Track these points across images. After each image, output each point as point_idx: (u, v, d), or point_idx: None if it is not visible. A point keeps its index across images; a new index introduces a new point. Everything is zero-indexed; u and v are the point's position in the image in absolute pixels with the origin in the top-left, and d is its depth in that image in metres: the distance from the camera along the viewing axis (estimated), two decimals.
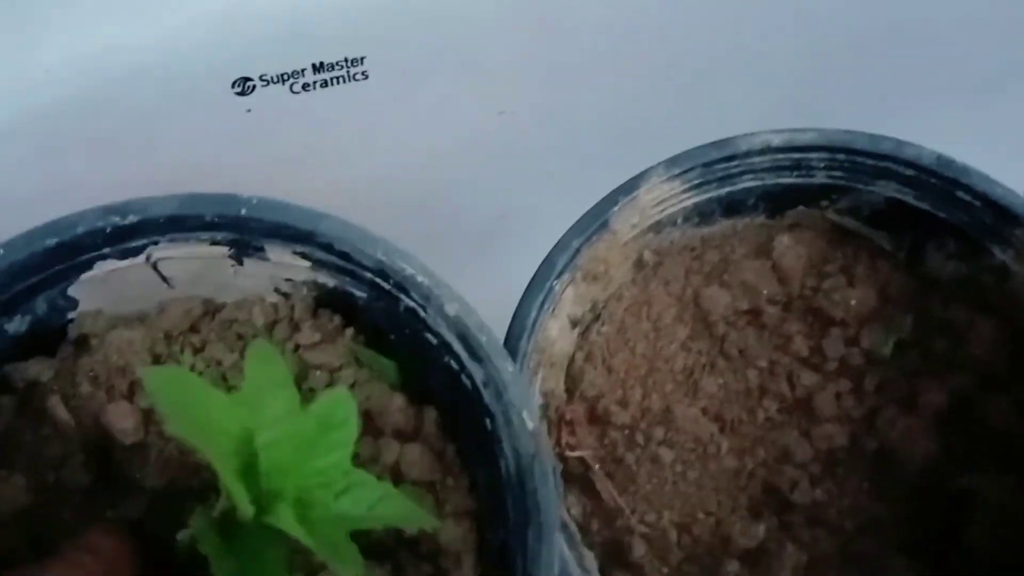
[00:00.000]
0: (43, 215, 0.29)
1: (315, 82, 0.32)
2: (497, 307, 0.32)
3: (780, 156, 0.33)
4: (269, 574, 0.23)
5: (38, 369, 0.30)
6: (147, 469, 0.30)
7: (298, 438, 0.24)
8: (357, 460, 0.32)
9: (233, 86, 0.31)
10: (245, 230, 0.30)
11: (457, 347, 0.29)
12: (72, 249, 0.28)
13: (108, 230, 0.28)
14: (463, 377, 0.29)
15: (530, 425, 0.28)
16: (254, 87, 0.31)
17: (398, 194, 0.39)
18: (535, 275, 0.32)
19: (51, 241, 0.28)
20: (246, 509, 0.22)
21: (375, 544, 0.30)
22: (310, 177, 0.35)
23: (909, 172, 0.32)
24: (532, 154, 0.38)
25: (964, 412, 0.32)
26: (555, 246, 0.32)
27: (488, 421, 0.29)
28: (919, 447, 0.32)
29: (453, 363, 0.30)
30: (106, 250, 0.29)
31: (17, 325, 0.29)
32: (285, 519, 0.22)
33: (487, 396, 0.29)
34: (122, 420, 0.29)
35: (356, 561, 0.24)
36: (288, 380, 0.25)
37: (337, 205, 0.30)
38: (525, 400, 0.28)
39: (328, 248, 0.30)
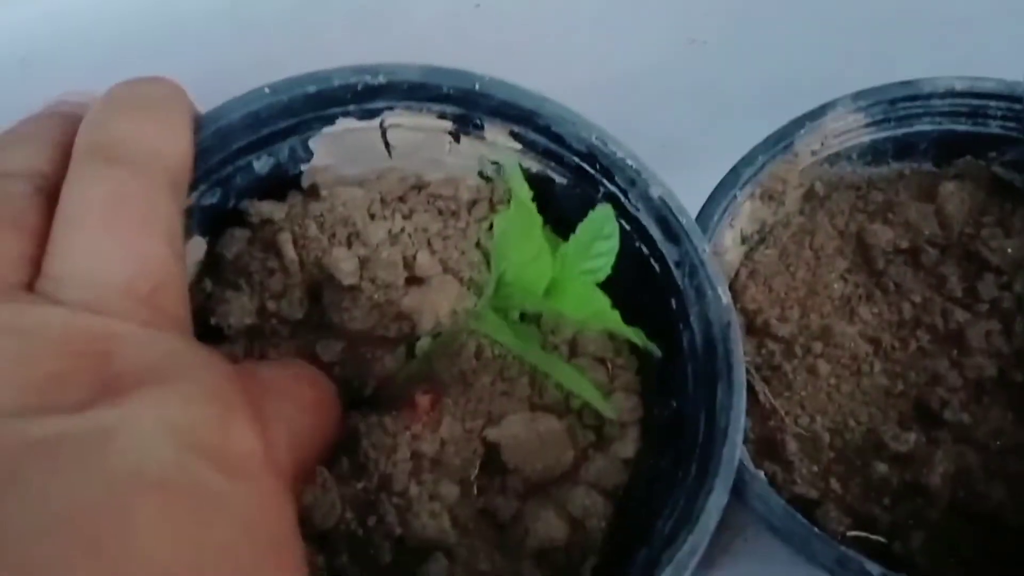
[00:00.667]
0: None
1: None
2: None
3: (960, 101, 0.35)
4: (533, 345, 0.26)
5: (272, 208, 0.33)
6: (354, 313, 0.33)
7: (573, 244, 0.27)
8: (539, 327, 0.35)
9: None
10: (473, 105, 0.33)
11: (653, 230, 0.32)
12: (325, 100, 0.32)
13: (359, 87, 0.32)
14: (652, 260, 0.32)
15: (724, 300, 0.30)
16: None
17: (586, 110, 0.41)
18: (721, 182, 0.35)
19: (311, 88, 0.31)
20: (537, 290, 0.25)
21: (550, 406, 0.33)
22: (517, 76, 0.37)
23: None
24: (714, 87, 0.40)
25: None
26: (742, 159, 0.35)
27: (674, 300, 0.31)
28: None
29: (644, 247, 0.32)
30: (351, 107, 0.32)
31: (263, 165, 0.33)
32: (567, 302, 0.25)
33: (678, 276, 0.31)
34: (343, 262, 0.32)
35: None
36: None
37: None
38: (720, 278, 0.30)
39: (545, 130, 0.32)
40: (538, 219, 0.27)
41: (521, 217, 0.26)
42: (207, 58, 0.32)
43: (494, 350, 0.33)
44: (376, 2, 0.33)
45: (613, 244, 0.27)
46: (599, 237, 0.27)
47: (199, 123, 0.30)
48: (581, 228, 0.27)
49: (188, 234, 0.32)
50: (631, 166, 0.32)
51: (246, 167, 0.33)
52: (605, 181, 0.32)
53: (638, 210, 0.32)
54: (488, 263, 0.34)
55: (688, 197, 0.36)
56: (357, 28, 0.34)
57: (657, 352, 0.27)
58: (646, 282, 0.32)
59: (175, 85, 0.29)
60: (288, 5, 0.32)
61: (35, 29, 0.30)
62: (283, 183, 0.34)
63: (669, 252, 0.31)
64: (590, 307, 0.26)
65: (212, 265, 0.33)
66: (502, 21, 0.36)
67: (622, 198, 0.32)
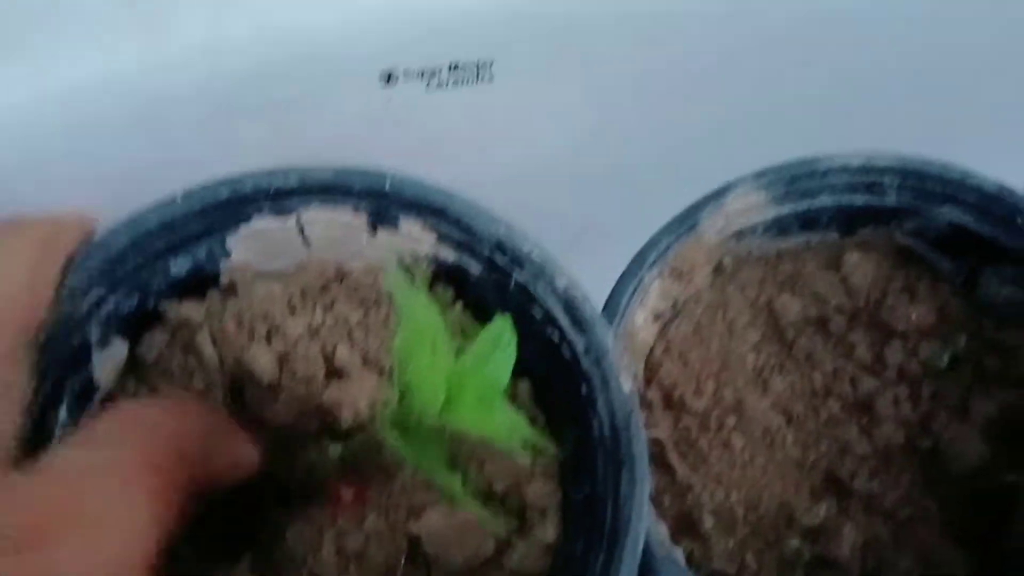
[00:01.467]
0: (211, 171, 0.33)
1: (448, 81, 0.36)
2: None
3: (857, 176, 0.36)
4: (435, 464, 0.27)
5: (190, 308, 0.34)
6: (276, 408, 0.33)
7: (471, 357, 0.27)
8: None
9: (380, 78, 0.35)
10: (386, 201, 0.34)
11: (562, 319, 0.33)
12: (240, 202, 0.33)
13: (271, 190, 0.33)
14: (563, 346, 0.33)
15: (626, 387, 0.31)
16: (397, 79, 0.36)
17: (497, 193, 0.42)
18: (628, 267, 0.36)
19: (224, 193, 0.32)
20: (435, 405, 0.26)
21: (471, 495, 0.34)
22: (429, 167, 0.39)
23: (972, 199, 0.35)
24: (631, 167, 0.42)
25: (1012, 421, 0.35)
26: (647, 242, 0.36)
27: (584, 386, 0.32)
28: (969, 449, 0.35)
29: (555, 335, 0.33)
30: (266, 206, 0.33)
31: (180, 266, 0.34)
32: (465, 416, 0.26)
33: (586, 363, 0.32)
34: (261, 359, 0.33)
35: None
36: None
37: None
38: (621, 367, 0.31)
39: (455, 223, 0.34)
40: (438, 327, 0.28)
41: (416, 328, 0.27)
42: (121, 159, 0.33)
43: None
44: (288, 101, 0.34)
45: (511, 354, 0.28)
46: (497, 348, 0.28)
47: (120, 229, 0.32)
48: (479, 340, 0.28)
49: (107, 339, 0.33)
50: (537, 259, 0.33)
51: (163, 270, 0.34)
52: (515, 271, 0.33)
53: (547, 299, 0.33)
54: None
55: (611, 273, 0.37)
56: (270, 127, 0.35)
57: (552, 450, 0.28)
58: (559, 368, 0.33)
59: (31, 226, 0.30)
60: (201, 106, 0.33)
61: None
62: (202, 282, 0.35)
63: (577, 340, 0.32)
64: (489, 423, 0.27)
65: (134, 367, 0.34)
66: (415, 116, 0.37)
67: (531, 288, 0.33)
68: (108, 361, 0.33)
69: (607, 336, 0.32)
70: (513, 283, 0.34)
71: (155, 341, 0.34)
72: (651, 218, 0.38)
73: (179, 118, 0.33)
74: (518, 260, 0.33)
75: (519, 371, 0.35)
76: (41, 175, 0.32)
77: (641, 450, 0.30)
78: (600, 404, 0.31)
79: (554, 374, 0.33)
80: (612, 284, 0.36)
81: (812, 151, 0.37)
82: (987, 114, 0.43)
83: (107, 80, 0.31)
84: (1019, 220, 0.35)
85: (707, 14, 0.36)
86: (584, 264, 0.43)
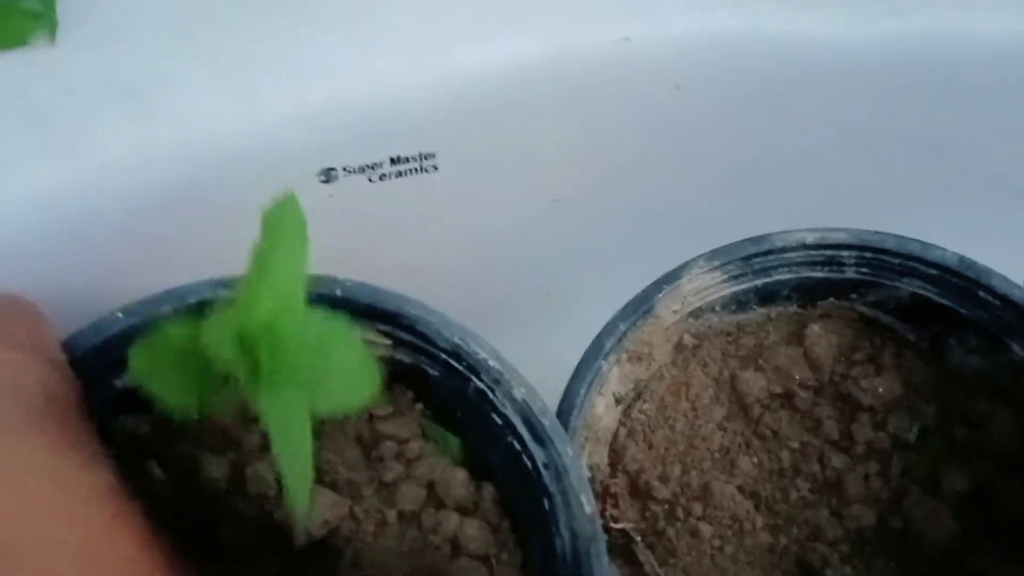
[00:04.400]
0: (148, 282, 0.32)
1: (391, 173, 0.35)
2: (544, 380, 0.34)
3: (813, 252, 0.36)
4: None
5: (137, 423, 0.33)
6: (229, 525, 0.32)
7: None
8: (420, 528, 0.34)
9: (319, 175, 0.35)
10: (339, 308, 0.33)
11: (521, 429, 0.31)
12: (183, 316, 0.32)
13: (217, 301, 0.32)
14: (524, 458, 0.32)
15: (588, 509, 0.30)
16: (337, 176, 0.35)
17: (457, 272, 0.42)
18: (584, 355, 0.35)
19: (166, 308, 0.31)
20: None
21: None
22: (379, 255, 0.38)
23: (933, 271, 0.35)
24: (580, 238, 0.41)
25: (983, 496, 0.34)
26: (603, 329, 0.35)
27: (546, 501, 0.31)
28: (942, 528, 0.34)
29: (516, 444, 0.32)
30: None
31: (125, 381, 0.32)
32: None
33: (547, 478, 0.31)
34: (212, 473, 0.32)
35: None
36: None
37: (403, 281, 0.33)
38: (584, 484, 0.30)
39: (410, 329, 0.33)
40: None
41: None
42: (54, 280, 0.32)
43: (372, 556, 0.33)
44: (223, 206, 0.33)
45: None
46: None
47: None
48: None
49: None
50: (494, 367, 0.32)
51: (108, 386, 0.32)
52: (473, 377, 0.32)
53: (506, 408, 0.32)
54: (368, 456, 0.34)
55: (580, 337, 0.36)
56: (207, 233, 0.34)
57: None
58: (523, 477, 0.32)
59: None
60: (131, 219, 0.32)
61: None
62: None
63: (537, 453, 0.31)
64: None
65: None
66: (359, 207, 0.36)
67: (490, 395, 0.32)
68: None
69: (567, 451, 0.30)
70: (472, 388, 0.32)
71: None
72: (613, 278, 0.37)
73: (110, 233, 0.32)
74: (474, 368, 0.32)
75: (484, 475, 0.34)
76: None
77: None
78: (562, 523, 0.30)
79: (518, 482, 0.32)
80: (583, 343, 0.35)
81: (767, 222, 0.37)
82: (942, 185, 0.43)
83: (31, 201, 0.30)
84: (980, 292, 0.34)
85: (648, 97, 0.35)
86: (553, 325, 0.42)
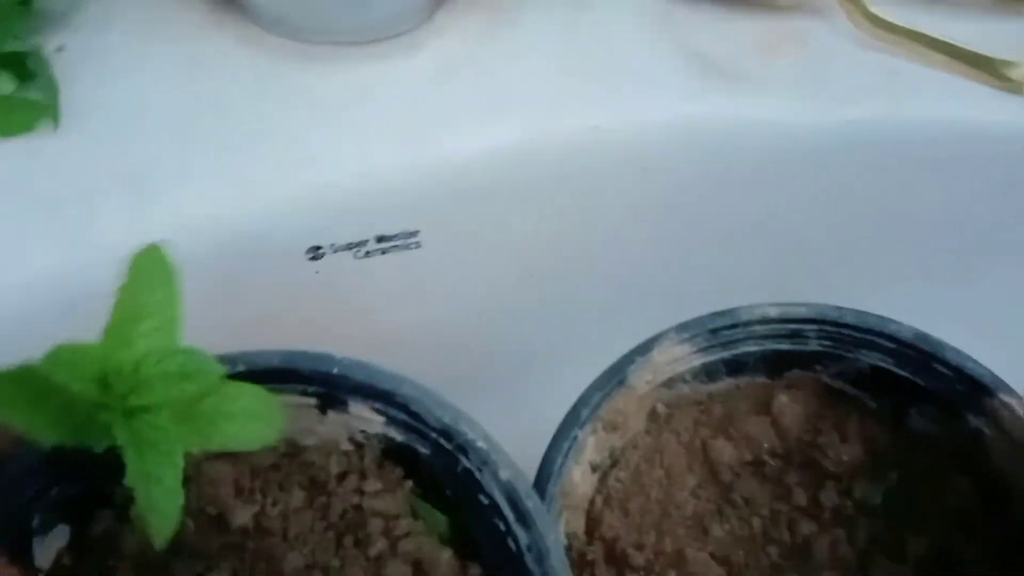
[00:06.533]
0: None
1: (377, 250, 0.37)
2: (522, 446, 0.35)
3: (777, 326, 0.37)
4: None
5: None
6: None
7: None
8: None
9: (306, 252, 0.36)
10: (334, 385, 0.34)
11: (506, 510, 0.32)
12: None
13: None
14: (509, 539, 0.32)
15: None
16: (324, 254, 0.36)
17: (437, 343, 0.43)
18: (561, 425, 0.36)
19: None
20: None
21: None
22: (364, 326, 0.39)
23: (891, 344, 0.36)
24: (556, 310, 0.43)
25: (944, 559, 0.35)
26: (579, 398, 0.36)
27: None
28: None
29: (501, 524, 0.33)
30: None
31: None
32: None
33: (529, 560, 0.32)
34: (207, 545, 0.33)
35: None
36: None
37: (386, 350, 0.35)
38: (564, 567, 0.31)
39: (403, 408, 0.34)
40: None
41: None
42: None
43: None
44: (214, 285, 0.35)
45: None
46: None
47: None
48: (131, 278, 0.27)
49: (50, 525, 0.33)
50: (482, 448, 0.33)
51: (110, 459, 0.33)
52: (461, 457, 0.33)
53: (492, 489, 0.33)
54: (346, 536, 0.35)
55: (558, 403, 0.37)
56: (200, 310, 0.35)
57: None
58: (508, 558, 0.33)
59: None
60: None
61: None
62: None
63: (521, 535, 0.32)
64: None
65: (76, 548, 0.33)
66: (344, 282, 0.38)
67: (477, 474, 0.33)
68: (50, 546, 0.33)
69: (549, 534, 0.31)
70: (460, 467, 0.33)
71: (102, 518, 0.33)
72: (588, 347, 0.38)
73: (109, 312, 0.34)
74: (463, 448, 0.33)
75: (470, 554, 0.34)
76: None
77: None
78: None
79: (503, 563, 0.33)
80: (560, 409, 0.36)
81: (734, 292, 0.38)
82: (899, 260, 0.45)
83: (33, 284, 0.31)
84: (935, 364, 0.36)
85: (617, 179, 0.38)
86: (530, 392, 0.43)
